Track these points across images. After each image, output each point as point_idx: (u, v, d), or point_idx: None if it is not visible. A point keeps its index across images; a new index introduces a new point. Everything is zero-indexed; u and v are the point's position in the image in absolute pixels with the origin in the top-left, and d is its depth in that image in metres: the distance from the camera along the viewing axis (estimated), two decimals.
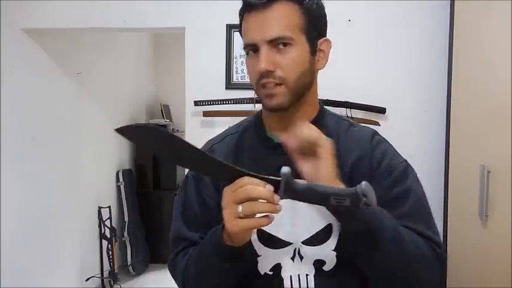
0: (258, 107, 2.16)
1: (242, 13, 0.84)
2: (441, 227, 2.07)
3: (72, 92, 3.04)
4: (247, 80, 2.26)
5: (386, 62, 2.24)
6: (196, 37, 2.30)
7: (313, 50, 0.84)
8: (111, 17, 2.34)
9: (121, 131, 0.70)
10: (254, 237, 0.83)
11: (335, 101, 2.14)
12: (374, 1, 2.22)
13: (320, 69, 0.87)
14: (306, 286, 0.82)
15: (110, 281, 3.35)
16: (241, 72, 2.26)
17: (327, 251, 0.83)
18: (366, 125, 0.96)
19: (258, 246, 0.84)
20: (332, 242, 0.83)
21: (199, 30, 2.30)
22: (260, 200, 0.68)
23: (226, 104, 2.21)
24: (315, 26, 0.84)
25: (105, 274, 3.37)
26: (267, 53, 0.79)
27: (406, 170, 0.88)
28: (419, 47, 2.23)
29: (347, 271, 0.83)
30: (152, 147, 0.75)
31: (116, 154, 3.78)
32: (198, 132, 2.31)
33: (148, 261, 3.87)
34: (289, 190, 0.69)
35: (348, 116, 2.13)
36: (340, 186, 0.73)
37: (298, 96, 0.83)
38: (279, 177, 0.69)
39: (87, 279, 3.16)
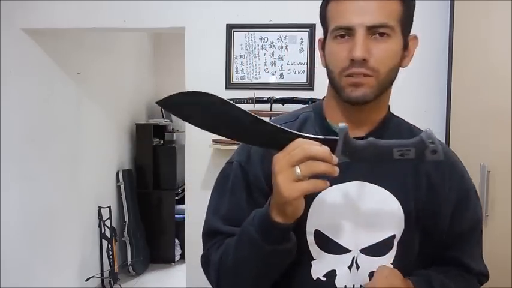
0: (258, 107, 2.17)
1: None
2: None
3: (72, 92, 3.04)
4: (247, 80, 2.25)
5: None
6: (196, 37, 2.30)
7: (405, 45, 0.79)
8: (111, 17, 2.34)
9: (163, 103, 0.66)
10: (311, 239, 0.77)
11: None
12: None
13: (404, 67, 0.81)
14: None
15: (110, 281, 3.35)
16: (241, 72, 2.26)
17: (385, 264, 0.77)
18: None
19: (314, 249, 0.77)
20: (391, 255, 0.78)
21: (199, 30, 2.30)
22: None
23: None
24: (410, 20, 0.79)
25: (105, 274, 3.38)
26: (364, 40, 0.72)
27: (476, 194, 0.84)
28: (419, 47, 2.21)
29: None
30: (197, 116, 0.67)
31: (116, 154, 3.78)
32: (198, 132, 2.30)
33: (148, 261, 3.86)
34: (348, 147, 0.64)
35: None
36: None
37: (382, 91, 0.77)
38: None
39: (87, 279, 3.16)
